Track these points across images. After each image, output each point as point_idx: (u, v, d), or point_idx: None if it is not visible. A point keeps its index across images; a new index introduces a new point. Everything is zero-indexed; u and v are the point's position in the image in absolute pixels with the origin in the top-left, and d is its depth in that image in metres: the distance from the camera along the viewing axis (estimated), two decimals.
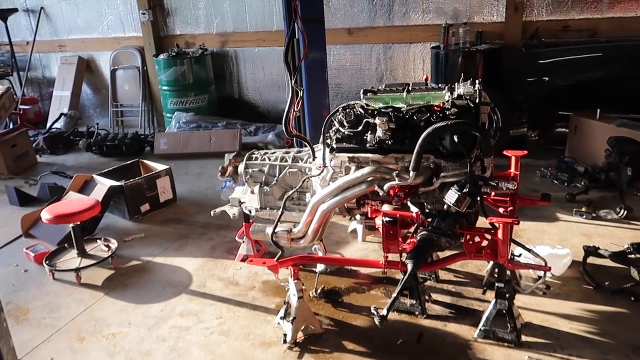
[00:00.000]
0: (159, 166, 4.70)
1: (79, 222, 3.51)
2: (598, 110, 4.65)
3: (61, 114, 7.38)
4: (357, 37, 6.19)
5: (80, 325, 2.95)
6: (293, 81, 2.53)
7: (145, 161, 4.92)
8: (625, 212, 3.75)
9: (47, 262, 3.51)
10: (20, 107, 7.62)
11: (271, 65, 6.80)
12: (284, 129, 2.61)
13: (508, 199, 2.78)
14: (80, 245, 3.56)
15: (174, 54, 6.75)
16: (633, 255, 3.18)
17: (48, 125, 7.30)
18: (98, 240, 3.75)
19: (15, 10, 7.94)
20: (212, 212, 3.41)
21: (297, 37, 3.83)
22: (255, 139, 6.20)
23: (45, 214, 3.40)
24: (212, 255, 3.63)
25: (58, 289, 3.35)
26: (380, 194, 2.42)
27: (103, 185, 4.22)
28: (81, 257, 3.52)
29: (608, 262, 3.12)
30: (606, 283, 2.91)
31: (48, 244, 3.88)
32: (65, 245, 3.70)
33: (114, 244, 3.68)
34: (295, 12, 3.16)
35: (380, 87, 2.76)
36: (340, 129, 2.53)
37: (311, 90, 4.28)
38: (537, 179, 4.61)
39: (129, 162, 4.90)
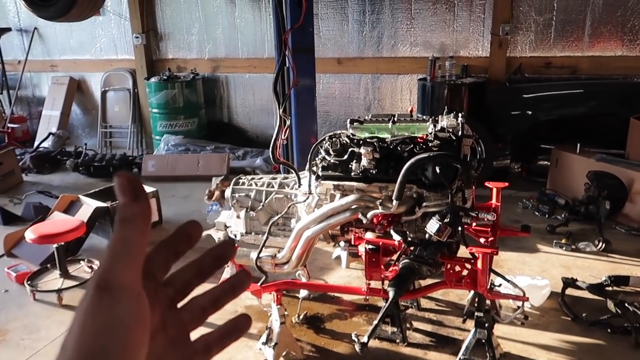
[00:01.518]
0: (146, 188, 4.69)
1: (63, 243, 3.50)
2: (578, 145, 4.78)
3: (49, 134, 7.38)
4: (347, 67, 6.33)
5: None
6: (281, 110, 2.59)
7: None
8: (604, 245, 3.83)
9: (28, 282, 3.48)
10: (9, 125, 7.61)
11: (261, 92, 6.90)
12: (271, 156, 2.66)
13: (489, 229, 2.83)
14: (64, 266, 3.54)
15: (166, 77, 6.83)
16: (610, 288, 3.25)
17: (36, 144, 7.29)
18: (81, 262, 3.74)
19: (8, 29, 7.99)
20: None
21: (287, 66, 3.92)
22: (243, 164, 6.24)
23: (30, 234, 3.39)
24: None
25: (38, 310, 3.32)
26: (364, 221, 2.47)
27: (89, 206, 4.22)
28: (64, 278, 3.50)
29: (586, 294, 3.19)
30: (584, 314, 2.96)
31: (30, 264, 3.85)
32: (48, 265, 3.68)
33: (97, 265, 3.65)
34: (286, 44, 3.25)
35: (366, 117, 2.83)
36: (326, 157, 2.59)
37: (300, 117, 4.36)
38: (519, 210, 4.69)
39: None
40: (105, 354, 0.37)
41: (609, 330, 2.84)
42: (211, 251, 0.51)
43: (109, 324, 0.38)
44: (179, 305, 0.48)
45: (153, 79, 6.85)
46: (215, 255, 0.51)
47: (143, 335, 0.40)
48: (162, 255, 0.47)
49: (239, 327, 0.52)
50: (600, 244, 3.84)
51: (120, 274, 0.39)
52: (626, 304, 2.96)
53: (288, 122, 2.66)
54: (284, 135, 2.65)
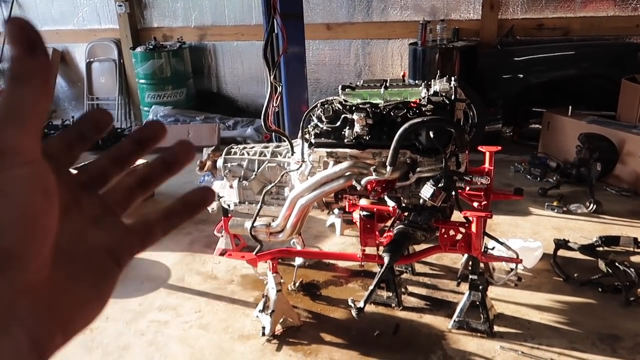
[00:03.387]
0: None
1: None
2: (570, 108, 4.77)
3: None
4: (336, 33, 6.21)
5: None
6: (272, 77, 2.55)
7: None
8: (595, 206, 3.87)
9: None
10: None
11: (250, 60, 6.78)
12: (262, 124, 2.62)
13: (482, 193, 2.84)
14: None
15: (152, 47, 6.67)
16: (601, 248, 3.30)
17: None
18: None
19: None
20: None
21: (276, 32, 3.84)
22: (234, 134, 6.18)
23: None
24: (190, 250, 3.64)
25: None
26: (358, 188, 2.46)
27: None
28: None
29: (577, 255, 3.24)
30: (575, 275, 3.01)
31: None
32: None
33: None
34: (275, 8, 3.16)
35: (358, 83, 2.79)
36: (319, 124, 2.56)
37: (290, 85, 4.30)
38: (511, 174, 4.71)
39: None
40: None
41: (600, 290, 2.89)
42: (134, 134, 0.44)
43: (2, 190, 0.33)
44: (101, 191, 0.43)
45: (139, 49, 6.70)
46: (137, 139, 0.44)
47: (44, 200, 0.34)
48: (63, 140, 0.41)
49: (194, 200, 0.45)
50: (591, 205, 3.88)
51: (11, 138, 0.33)
52: (616, 264, 3.01)
53: (279, 89, 2.61)
54: (276, 103, 2.61)
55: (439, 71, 3.02)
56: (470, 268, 2.67)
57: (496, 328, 2.62)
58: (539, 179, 4.52)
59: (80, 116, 0.42)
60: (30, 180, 0.34)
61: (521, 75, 5.27)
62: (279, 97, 2.63)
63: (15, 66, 0.34)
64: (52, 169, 0.36)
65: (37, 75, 0.34)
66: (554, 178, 4.40)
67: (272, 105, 2.60)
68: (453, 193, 2.39)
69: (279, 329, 2.70)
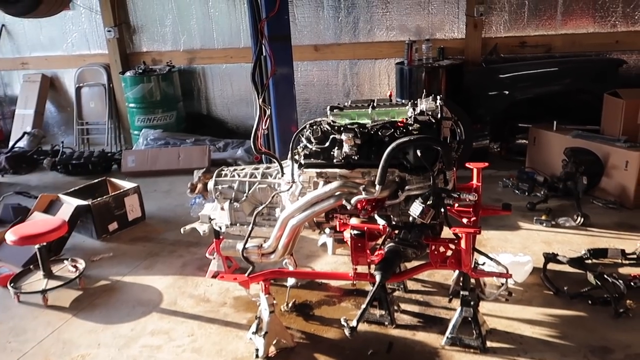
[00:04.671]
0: (126, 184, 4.67)
1: (45, 243, 3.45)
2: (555, 123, 4.86)
3: (24, 133, 7.22)
4: (324, 54, 6.31)
5: (48, 348, 2.90)
6: (261, 99, 2.58)
7: (113, 179, 4.88)
8: (582, 219, 3.92)
9: (12, 284, 3.44)
10: None
11: (239, 82, 6.84)
12: (252, 147, 2.65)
13: (471, 209, 2.88)
14: (47, 267, 3.50)
15: (141, 71, 6.73)
16: (589, 261, 3.34)
17: (10, 144, 7.13)
18: (65, 261, 3.69)
19: None
20: (182, 230, 3.41)
21: (264, 55, 3.89)
22: (225, 155, 6.21)
23: (10, 236, 3.34)
24: (182, 273, 3.62)
25: (24, 312, 3.28)
26: (348, 207, 2.49)
27: (69, 204, 4.17)
28: (47, 278, 3.46)
29: (567, 268, 3.28)
30: (565, 288, 3.04)
31: (13, 266, 3.78)
32: (31, 267, 3.63)
33: (81, 265, 3.63)
34: (262, 33, 3.22)
35: (346, 104, 2.84)
36: (308, 145, 2.59)
37: (279, 106, 4.34)
38: (499, 189, 4.77)
39: (96, 180, 4.85)
40: None
41: (589, 302, 2.92)
42: None
43: None
44: None
45: (128, 73, 6.75)
46: None
47: None
48: None
49: None
50: (579, 218, 3.93)
51: None
52: (605, 276, 3.04)
53: (268, 112, 2.64)
54: (265, 125, 2.64)
55: (425, 90, 3.08)
56: (461, 284, 2.69)
57: (489, 343, 2.63)
58: (527, 194, 4.57)
59: None
60: None
61: (507, 92, 5.37)
62: (268, 120, 2.66)
63: None
64: None
65: None
66: (542, 192, 4.46)
67: (262, 128, 2.64)
68: (442, 210, 2.41)
69: (272, 350, 2.69)
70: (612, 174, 4.32)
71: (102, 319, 3.14)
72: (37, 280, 3.47)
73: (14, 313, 3.28)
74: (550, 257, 3.32)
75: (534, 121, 5.18)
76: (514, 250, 3.53)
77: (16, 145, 7.00)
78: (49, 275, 3.49)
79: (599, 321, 2.79)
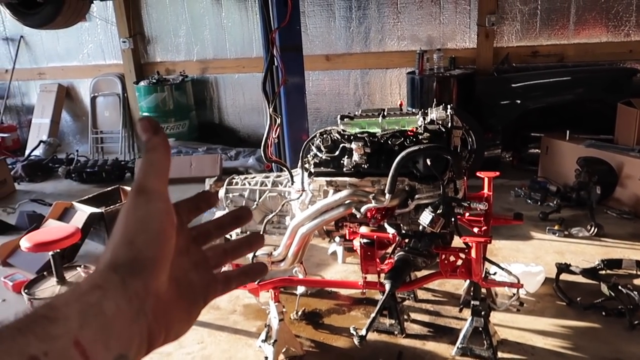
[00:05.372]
0: None
1: (58, 250, 3.50)
2: (567, 132, 4.82)
3: (40, 142, 7.35)
4: (335, 63, 6.34)
5: None
6: (271, 109, 2.61)
7: (126, 187, 4.93)
8: (596, 229, 3.88)
9: (25, 290, 3.48)
10: None
11: (251, 91, 6.90)
12: (262, 155, 2.67)
13: (482, 218, 2.86)
14: (60, 273, 3.54)
15: (155, 80, 6.82)
16: (603, 272, 3.30)
17: (27, 152, 7.26)
18: (78, 268, 3.74)
19: None
20: None
21: (276, 65, 3.92)
22: (236, 164, 6.25)
23: (25, 242, 3.39)
24: None
25: None
26: (358, 216, 2.49)
27: (83, 212, 4.22)
28: (61, 285, 3.50)
29: (580, 279, 3.23)
30: (578, 299, 3.00)
31: (27, 272, 3.84)
32: (45, 273, 3.68)
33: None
34: (273, 43, 3.25)
35: (356, 113, 2.85)
36: (318, 153, 2.61)
37: (290, 115, 4.37)
38: (511, 198, 4.73)
39: (110, 188, 4.91)
40: (143, 237, 0.47)
41: (603, 313, 2.88)
42: (231, 213, 0.63)
43: (146, 216, 0.48)
44: (204, 247, 0.58)
45: (142, 83, 6.84)
46: (234, 216, 0.63)
47: (171, 229, 0.49)
48: (186, 205, 0.59)
49: (256, 269, 0.63)
50: (593, 228, 3.89)
51: (151, 182, 0.49)
52: (619, 287, 3.00)
53: (278, 121, 2.67)
54: (275, 134, 2.66)
55: (436, 99, 3.09)
56: (472, 294, 2.68)
57: (500, 354, 2.61)
58: (539, 203, 4.53)
59: (197, 194, 0.61)
60: (165, 212, 0.49)
61: (519, 101, 5.35)
62: (278, 128, 2.68)
63: (148, 142, 0.50)
64: (178, 220, 0.52)
65: (162, 145, 0.51)
66: (555, 202, 4.42)
67: (272, 137, 2.66)
68: (452, 219, 2.41)
69: (281, 358, 2.69)
70: (626, 183, 4.27)
71: None
72: (50, 287, 3.52)
73: None
74: (563, 268, 3.28)
75: (547, 130, 5.15)
76: (526, 260, 3.50)
77: (32, 154, 7.12)
78: (62, 281, 3.53)
79: (613, 333, 2.75)
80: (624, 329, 2.76)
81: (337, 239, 3.16)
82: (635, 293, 2.93)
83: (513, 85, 5.41)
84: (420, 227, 2.42)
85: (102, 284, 0.44)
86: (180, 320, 0.52)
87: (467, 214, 2.83)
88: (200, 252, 0.57)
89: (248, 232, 3.05)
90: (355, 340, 2.21)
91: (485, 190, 2.93)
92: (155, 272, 0.47)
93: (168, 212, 0.49)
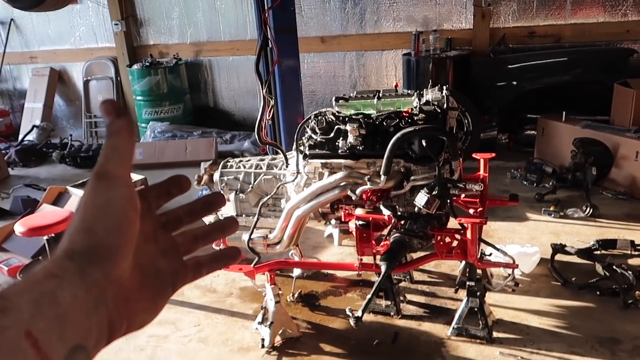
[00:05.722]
0: (134, 176, 4.68)
1: (53, 235, 3.48)
2: (564, 113, 4.81)
3: (33, 126, 7.28)
4: (330, 45, 6.28)
5: None
6: (264, 90, 2.58)
7: None
8: (591, 210, 3.88)
9: (21, 275, 3.47)
10: None
11: (246, 74, 6.83)
12: (256, 137, 2.65)
13: (478, 200, 2.87)
14: None
15: (148, 64, 6.74)
16: (598, 252, 3.32)
17: (20, 137, 7.20)
18: None
19: None
20: None
21: (270, 46, 3.88)
22: (231, 147, 6.22)
23: (19, 227, 3.37)
24: None
25: None
26: (353, 198, 2.48)
27: (77, 196, 4.20)
28: None
29: (575, 259, 3.25)
30: (573, 279, 3.02)
31: (22, 257, 3.83)
32: (40, 258, 3.67)
33: None
34: (266, 23, 3.21)
35: (351, 95, 2.83)
36: (313, 135, 2.59)
37: (285, 98, 4.33)
38: (507, 180, 4.73)
39: None
40: (103, 224, 0.46)
41: (598, 293, 2.90)
42: (203, 198, 0.60)
43: (106, 202, 0.46)
44: (174, 233, 0.57)
45: (135, 66, 6.76)
46: (206, 202, 0.60)
47: (134, 215, 0.48)
48: (155, 190, 0.57)
49: (228, 254, 0.60)
50: (588, 209, 3.90)
51: (113, 167, 0.48)
52: (614, 267, 3.02)
53: (272, 102, 2.64)
54: (269, 116, 2.64)
55: (432, 81, 3.06)
56: (467, 275, 2.69)
57: (495, 334, 2.63)
58: (535, 185, 4.54)
59: (169, 177, 0.58)
60: (127, 198, 0.47)
61: (515, 83, 5.32)
62: (272, 111, 2.66)
63: (111, 126, 0.48)
64: (145, 206, 0.50)
65: (125, 129, 0.49)
66: (550, 183, 4.42)
67: (266, 118, 2.63)
68: (447, 200, 2.40)
69: (278, 340, 2.70)
70: (622, 164, 4.27)
71: None
72: None
73: None
74: (558, 248, 3.29)
75: (543, 112, 5.13)
76: (522, 241, 3.51)
77: (25, 139, 7.06)
78: None
79: (607, 312, 2.77)
80: (618, 308, 2.78)
81: (334, 221, 3.16)
82: (630, 273, 2.95)
83: (509, 66, 5.38)
84: (416, 209, 2.41)
85: (57, 272, 0.42)
86: (145, 309, 0.50)
87: (462, 195, 2.83)
88: (170, 238, 0.55)
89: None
90: (352, 322, 2.22)
91: (481, 172, 2.92)
92: (116, 260, 0.45)
93: (130, 197, 0.47)
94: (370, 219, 2.52)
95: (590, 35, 5.31)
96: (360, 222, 2.52)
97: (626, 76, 4.69)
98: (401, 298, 2.98)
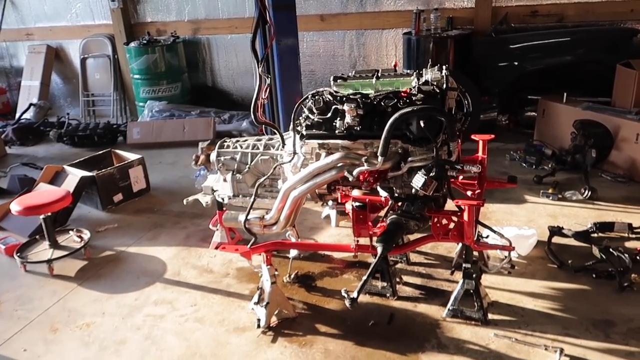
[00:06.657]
0: (131, 156, 4.66)
1: (50, 214, 3.47)
2: (565, 95, 4.76)
3: (30, 104, 7.23)
4: (330, 24, 6.19)
5: (54, 317, 2.94)
6: (260, 68, 2.54)
7: (118, 151, 4.87)
8: (590, 192, 3.87)
9: (18, 254, 3.47)
10: None
11: (244, 53, 6.76)
12: (252, 117, 2.62)
13: (475, 182, 2.85)
14: (52, 237, 3.53)
15: (145, 42, 6.66)
16: (595, 234, 3.31)
17: (17, 115, 7.15)
18: (70, 232, 3.72)
19: None
20: (184, 201, 3.41)
21: (268, 24, 3.81)
22: (230, 127, 6.18)
23: (16, 206, 3.36)
24: (186, 244, 3.64)
25: (30, 281, 3.32)
26: (350, 179, 2.45)
27: (74, 175, 4.18)
28: (53, 248, 3.49)
29: (572, 242, 3.24)
30: (569, 261, 3.01)
31: (19, 236, 3.83)
32: (37, 237, 3.67)
33: (86, 235, 3.65)
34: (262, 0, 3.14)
35: (350, 74, 2.78)
36: (310, 115, 2.55)
37: (284, 77, 4.28)
38: (506, 162, 4.71)
39: (101, 152, 4.85)
40: None
41: (594, 276, 2.90)
42: None
43: None
44: None
45: (132, 44, 6.68)
46: None
47: None
48: None
49: None
50: (586, 192, 3.88)
51: None
52: (610, 250, 3.02)
53: (268, 81, 2.60)
54: (265, 95, 2.60)
55: (431, 60, 3.01)
56: (464, 256, 2.68)
57: (490, 316, 2.63)
58: (534, 167, 4.51)
59: None
60: None
61: (516, 63, 5.26)
62: (268, 90, 2.62)
63: None
64: None
65: None
66: (549, 165, 4.40)
67: (262, 98, 2.59)
68: (445, 182, 2.38)
69: (274, 320, 2.71)
70: (622, 147, 4.24)
71: (107, 289, 3.18)
72: (43, 250, 3.51)
73: (21, 282, 3.32)
74: (556, 231, 3.28)
75: (544, 93, 5.08)
76: (519, 224, 3.50)
77: (22, 117, 7.01)
78: (54, 245, 3.52)
79: (603, 295, 2.77)
80: (613, 291, 2.78)
81: (330, 202, 3.14)
82: (626, 255, 2.95)
83: (511, 46, 5.30)
84: (413, 190, 2.39)
85: None
86: None
87: (460, 177, 2.81)
88: None
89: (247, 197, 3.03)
90: (347, 303, 2.21)
91: (480, 153, 2.89)
92: None
93: None
94: (367, 200, 2.51)
95: (594, 14, 5.22)
96: (357, 204, 2.50)
97: (629, 57, 4.63)
98: (397, 279, 2.98)
